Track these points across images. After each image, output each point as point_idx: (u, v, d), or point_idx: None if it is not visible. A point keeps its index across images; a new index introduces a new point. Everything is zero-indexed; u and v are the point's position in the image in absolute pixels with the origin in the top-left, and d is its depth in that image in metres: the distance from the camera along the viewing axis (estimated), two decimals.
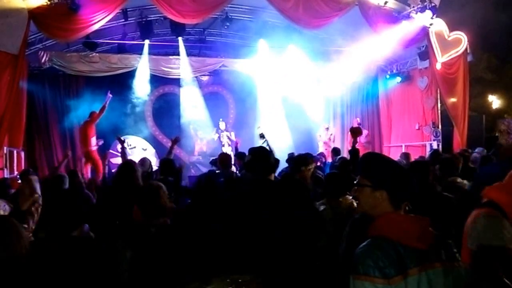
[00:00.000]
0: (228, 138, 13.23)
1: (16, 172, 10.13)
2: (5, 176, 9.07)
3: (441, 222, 2.71)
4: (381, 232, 1.87)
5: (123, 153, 6.67)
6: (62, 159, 9.74)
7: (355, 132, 6.45)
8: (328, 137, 13.83)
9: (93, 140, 11.02)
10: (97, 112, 10.99)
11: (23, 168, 10.62)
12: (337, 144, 14.82)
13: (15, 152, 10.22)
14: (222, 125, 13.49)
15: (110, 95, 11.11)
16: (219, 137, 13.30)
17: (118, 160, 13.05)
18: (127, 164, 4.79)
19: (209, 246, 2.89)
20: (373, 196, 1.99)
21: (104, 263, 2.81)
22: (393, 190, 1.96)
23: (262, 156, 3.83)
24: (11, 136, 9.95)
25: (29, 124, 11.21)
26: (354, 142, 5.95)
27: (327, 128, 14.05)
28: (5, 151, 9.57)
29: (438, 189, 4.18)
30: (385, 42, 11.27)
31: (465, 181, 4.86)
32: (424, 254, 1.82)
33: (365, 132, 12.88)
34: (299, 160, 4.99)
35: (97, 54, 11.95)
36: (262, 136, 8.55)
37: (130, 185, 4.34)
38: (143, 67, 12.49)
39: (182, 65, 12.66)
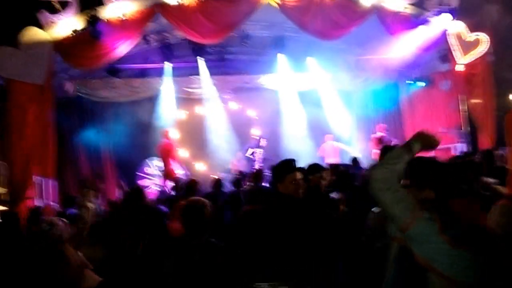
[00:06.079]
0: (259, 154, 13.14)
1: (51, 202, 10.23)
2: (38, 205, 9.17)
3: None
4: None
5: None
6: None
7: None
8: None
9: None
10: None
11: (56, 197, 10.75)
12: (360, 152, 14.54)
13: (48, 181, 10.29)
14: (263, 142, 13.15)
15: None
16: (252, 154, 13.09)
17: (145, 182, 13.18)
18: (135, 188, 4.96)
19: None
20: None
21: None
22: None
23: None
24: (43, 166, 10.05)
25: (60, 154, 11.30)
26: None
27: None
28: (38, 181, 9.71)
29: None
30: (405, 47, 11.26)
31: (490, 179, 4.69)
32: None
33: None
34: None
35: (120, 79, 12.15)
36: None
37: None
38: (165, 90, 12.65)
39: (204, 85, 12.78)
